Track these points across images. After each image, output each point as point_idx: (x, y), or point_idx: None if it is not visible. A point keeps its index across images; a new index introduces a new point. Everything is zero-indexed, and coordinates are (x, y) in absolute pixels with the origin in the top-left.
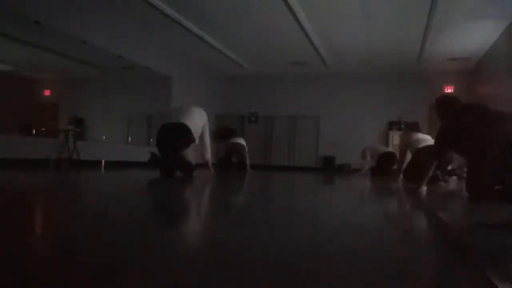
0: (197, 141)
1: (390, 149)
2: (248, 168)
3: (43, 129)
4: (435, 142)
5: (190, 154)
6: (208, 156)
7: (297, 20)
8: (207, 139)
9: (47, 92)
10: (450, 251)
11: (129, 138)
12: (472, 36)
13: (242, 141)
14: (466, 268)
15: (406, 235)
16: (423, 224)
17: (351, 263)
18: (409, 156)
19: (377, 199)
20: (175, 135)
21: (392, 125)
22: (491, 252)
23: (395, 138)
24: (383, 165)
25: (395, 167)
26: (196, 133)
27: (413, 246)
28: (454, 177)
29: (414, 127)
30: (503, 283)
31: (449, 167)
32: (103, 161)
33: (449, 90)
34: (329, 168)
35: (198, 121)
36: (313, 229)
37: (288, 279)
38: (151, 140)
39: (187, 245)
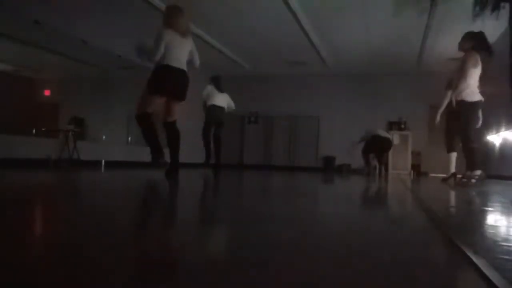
0: None
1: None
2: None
3: (43, 129)
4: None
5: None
6: None
7: (297, 20)
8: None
9: (47, 92)
10: (449, 250)
11: (129, 138)
12: None
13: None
14: (465, 268)
15: (404, 234)
16: (420, 222)
17: (351, 262)
18: None
19: (377, 195)
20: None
21: (392, 125)
22: (491, 252)
23: (395, 138)
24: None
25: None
26: None
27: (411, 245)
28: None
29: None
30: (503, 283)
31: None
32: (103, 161)
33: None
34: (329, 168)
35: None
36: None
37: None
38: None
39: (185, 244)
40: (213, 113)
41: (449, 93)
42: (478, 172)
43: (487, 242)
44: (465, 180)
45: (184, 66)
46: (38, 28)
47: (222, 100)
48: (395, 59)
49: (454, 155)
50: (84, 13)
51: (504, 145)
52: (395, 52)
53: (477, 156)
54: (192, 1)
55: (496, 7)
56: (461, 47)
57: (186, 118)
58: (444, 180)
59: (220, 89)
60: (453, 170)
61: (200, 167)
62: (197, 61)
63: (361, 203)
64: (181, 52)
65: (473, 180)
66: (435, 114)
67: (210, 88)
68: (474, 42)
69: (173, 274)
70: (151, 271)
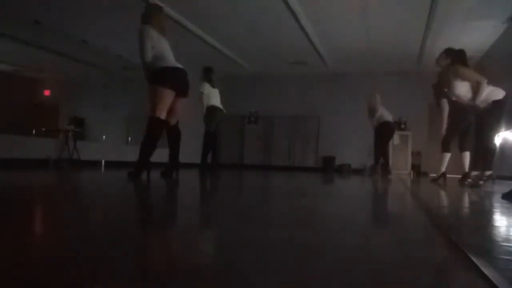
0: None
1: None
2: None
3: (43, 129)
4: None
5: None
6: None
7: (297, 20)
8: None
9: (47, 92)
10: (449, 250)
11: (129, 138)
12: (472, 36)
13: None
14: (465, 268)
15: (404, 234)
16: (419, 221)
17: (351, 261)
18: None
19: (376, 195)
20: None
21: None
22: (491, 252)
23: (395, 138)
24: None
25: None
26: None
27: (411, 245)
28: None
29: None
30: (502, 283)
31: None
32: (103, 161)
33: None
34: (329, 168)
35: None
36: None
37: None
38: None
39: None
40: (216, 117)
41: (445, 101)
42: (489, 173)
43: (487, 242)
44: (470, 180)
45: (177, 63)
46: (38, 28)
47: (218, 98)
48: (395, 59)
49: (448, 156)
50: (84, 13)
51: (504, 145)
52: (395, 52)
53: (493, 157)
54: (192, 1)
55: None
56: (438, 63)
57: (185, 117)
58: (434, 180)
59: (213, 84)
60: (443, 169)
61: (196, 167)
62: None
63: (360, 203)
64: (169, 50)
65: (481, 182)
66: (441, 121)
67: (207, 86)
68: (452, 58)
69: (170, 275)
70: (146, 273)
